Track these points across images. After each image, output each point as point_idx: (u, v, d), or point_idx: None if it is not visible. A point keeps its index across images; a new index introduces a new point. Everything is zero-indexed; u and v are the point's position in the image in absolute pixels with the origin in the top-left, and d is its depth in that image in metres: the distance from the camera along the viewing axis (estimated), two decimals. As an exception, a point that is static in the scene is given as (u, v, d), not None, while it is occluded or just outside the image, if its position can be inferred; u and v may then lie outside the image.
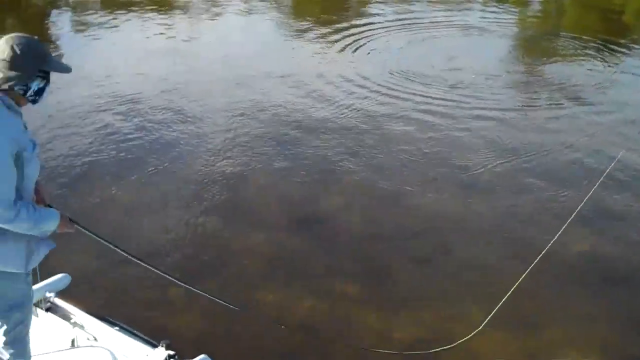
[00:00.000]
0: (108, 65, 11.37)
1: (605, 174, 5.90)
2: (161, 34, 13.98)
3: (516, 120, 9.46)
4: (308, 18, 15.81)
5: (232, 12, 16.34)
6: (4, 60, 2.86)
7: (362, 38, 13.64)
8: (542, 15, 18.55)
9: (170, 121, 9.02)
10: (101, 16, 15.50)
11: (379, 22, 15.16)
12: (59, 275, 4.30)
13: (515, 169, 7.84)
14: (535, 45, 14.27)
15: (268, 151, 8.18)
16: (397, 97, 10.17)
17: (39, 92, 3.02)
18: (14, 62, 2.87)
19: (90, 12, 15.95)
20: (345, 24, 14.95)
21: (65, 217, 3.19)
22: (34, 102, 3.02)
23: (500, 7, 17.65)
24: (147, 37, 13.68)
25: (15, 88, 2.91)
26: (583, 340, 5.05)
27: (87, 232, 3.36)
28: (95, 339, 3.90)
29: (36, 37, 3.02)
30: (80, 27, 14.70)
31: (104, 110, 9.34)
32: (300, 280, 5.68)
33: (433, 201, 7.07)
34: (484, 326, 4.18)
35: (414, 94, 10.31)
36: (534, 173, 7.72)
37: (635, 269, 5.99)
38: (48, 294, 4.12)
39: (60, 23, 15.59)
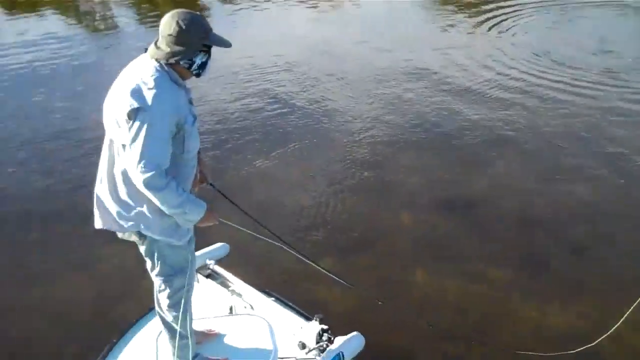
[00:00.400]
0: (255, 41, 11.63)
1: None
2: (308, 18, 14.08)
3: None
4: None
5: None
6: (170, 35, 2.96)
7: (509, 18, 13.15)
8: None
9: (315, 100, 9.10)
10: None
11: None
12: (219, 244, 4.49)
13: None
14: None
15: (416, 132, 8.07)
16: (545, 80, 9.75)
17: (202, 66, 3.10)
18: (180, 37, 2.96)
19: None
20: (491, 5, 14.48)
21: (211, 211, 3.22)
22: (197, 75, 3.12)
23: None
24: (292, 21, 13.82)
25: (181, 62, 3.02)
26: None
27: (231, 224, 3.53)
28: (252, 308, 4.00)
29: (198, 12, 3.08)
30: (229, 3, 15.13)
31: (251, 85, 9.62)
32: (449, 264, 5.54)
33: (591, 189, 6.70)
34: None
35: (561, 79, 9.83)
36: None
37: None
38: (208, 261, 4.30)
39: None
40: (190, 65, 3.06)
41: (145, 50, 3.09)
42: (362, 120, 8.36)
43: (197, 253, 3.83)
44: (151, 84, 2.92)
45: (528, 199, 6.54)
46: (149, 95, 2.89)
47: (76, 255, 5.71)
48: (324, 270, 4.05)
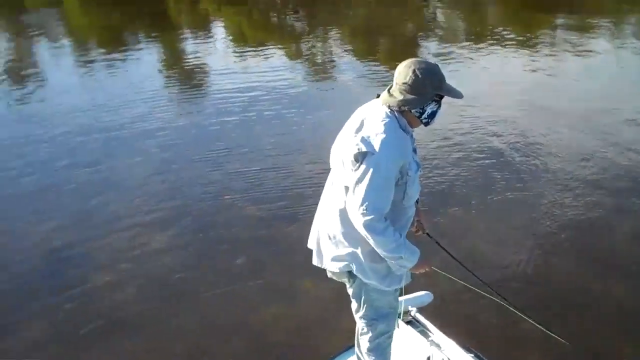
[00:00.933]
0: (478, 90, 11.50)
1: None
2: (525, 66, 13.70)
3: None
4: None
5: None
6: (405, 83, 3.01)
7: None
8: None
9: (528, 151, 8.73)
10: (466, 47, 15.81)
11: None
12: (422, 292, 4.41)
13: None
14: None
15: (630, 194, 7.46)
16: None
17: (432, 115, 3.11)
18: (414, 85, 3.00)
19: (455, 42, 16.41)
20: None
21: (425, 258, 3.23)
22: (426, 124, 3.14)
23: None
24: (509, 70, 13.53)
25: (412, 110, 3.06)
26: None
27: (443, 273, 3.57)
28: None
29: (434, 62, 3.15)
30: (445, 54, 15.18)
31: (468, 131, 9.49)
32: None
33: None
34: None
35: None
36: None
37: None
38: (410, 308, 4.26)
39: (426, 48, 16.22)
40: (421, 114, 3.09)
41: (377, 96, 3.17)
42: (566, 181, 7.85)
43: (400, 298, 3.79)
44: (380, 129, 2.98)
45: None
46: (377, 140, 2.95)
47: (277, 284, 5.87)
48: (534, 323, 3.86)
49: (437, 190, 7.62)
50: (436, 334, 4.08)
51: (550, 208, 7.15)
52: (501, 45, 15.64)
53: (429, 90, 3.01)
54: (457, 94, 3.10)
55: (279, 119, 10.36)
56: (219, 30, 20.12)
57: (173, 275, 6.07)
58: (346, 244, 3.20)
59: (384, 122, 3.00)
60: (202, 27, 20.37)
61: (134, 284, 5.93)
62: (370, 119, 3.05)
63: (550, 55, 14.61)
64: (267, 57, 15.19)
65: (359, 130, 3.04)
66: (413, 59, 3.06)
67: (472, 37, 17.31)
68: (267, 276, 5.96)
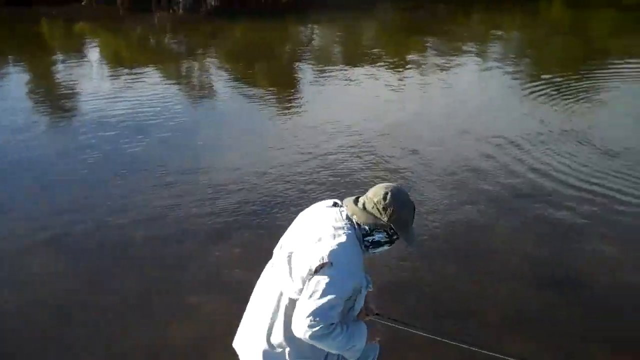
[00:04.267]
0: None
1: None
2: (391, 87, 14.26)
3: None
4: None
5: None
6: (374, 203, 2.99)
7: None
8: None
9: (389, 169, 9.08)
10: (341, 69, 16.26)
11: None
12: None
13: None
14: None
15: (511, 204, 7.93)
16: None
17: (376, 245, 3.08)
18: (382, 209, 2.97)
19: (331, 64, 16.85)
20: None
21: (370, 329, 3.17)
22: (367, 248, 3.08)
23: None
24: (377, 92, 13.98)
25: (375, 233, 3.03)
26: None
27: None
28: None
29: (412, 201, 3.13)
30: (320, 76, 15.54)
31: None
32: (546, 338, 5.32)
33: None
34: None
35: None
36: None
37: None
38: None
39: (302, 73, 16.52)
40: (365, 236, 3.04)
41: (334, 204, 3.14)
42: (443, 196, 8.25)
43: None
44: (342, 242, 2.91)
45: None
46: (339, 253, 2.88)
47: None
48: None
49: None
50: None
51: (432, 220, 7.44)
52: (375, 67, 16.23)
53: (389, 219, 2.99)
54: (410, 241, 3.08)
55: (152, 142, 10.30)
56: (94, 52, 19.61)
57: (61, 299, 5.89)
58: (279, 344, 3.10)
59: (347, 234, 2.94)
60: (76, 49, 19.76)
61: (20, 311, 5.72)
62: (334, 229, 2.97)
63: (418, 75, 15.39)
64: (142, 80, 15.00)
65: (319, 239, 2.93)
66: (395, 185, 3.10)
67: (348, 59, 17.81)
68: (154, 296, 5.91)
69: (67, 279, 6.28)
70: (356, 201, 3.07)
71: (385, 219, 2.98)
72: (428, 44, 19.50)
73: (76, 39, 21.97)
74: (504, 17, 25.30)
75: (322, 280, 2.83)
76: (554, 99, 12.70)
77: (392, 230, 3.02)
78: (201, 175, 8.76)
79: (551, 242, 6.96)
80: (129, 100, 12.87)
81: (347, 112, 11.83)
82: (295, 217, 3.31)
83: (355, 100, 12.99)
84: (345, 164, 9.19)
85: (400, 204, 2.99)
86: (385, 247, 3.10)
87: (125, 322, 5.55)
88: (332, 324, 2.88)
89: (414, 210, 3.10)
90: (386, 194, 2.97)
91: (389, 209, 2.96)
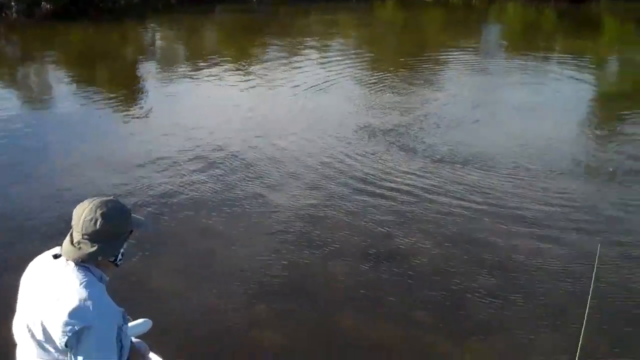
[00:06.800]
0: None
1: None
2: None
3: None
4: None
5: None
6: (96, 231, 2.64)
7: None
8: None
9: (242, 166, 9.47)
10: (183, 69, 16.47)
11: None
12: (140, 320, 4.04)
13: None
14: None
15: (342, 191, 8.47)
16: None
17: (123, 255, 2.84)
18: (108, 231, 2.66)
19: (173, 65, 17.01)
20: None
21: None
22: (118, 265, 2.84)
23: None
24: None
25: (111, 259, 2.77)
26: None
27: None
28: None
29: (112, 196, 2.82)
30: (164, 79, 15.68)
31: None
32: (377, 307, 5.92)
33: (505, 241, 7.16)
34: None
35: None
36: None
37: None
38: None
39: (146, 74, 16.54)
40: (117, 258, 2.79)
41: (55, 256, 2.74)
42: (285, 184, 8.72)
43: None
44: (85, 294, 2.58)
45: (447, 253, 6.99)
46: (89, 309, 2.56)
47: None
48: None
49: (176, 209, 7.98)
50: None
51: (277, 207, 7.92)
52: (217, 66, 16.58)
53: (123, 231, 2.74)
54: (147, 226, 2.95)
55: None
56: None
57: None
58: None
59: (83, 284, 2.60)
60: None
61: None
62: (66, 287, 2.60)
63: (263, 75, 15.89)
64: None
65: (59, 306, 2.56)
66: (93, 202, 2.68)
67: (190, 59, 18.06)
68: None
69: None
70: (72, 241, 2.67)
71: (125, 230, 2.76)
72: (270, 44, 20.14)
73: None
74: (339, 16, 26.55)
75: (84, 346, 2.54)
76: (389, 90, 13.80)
77: (129, 234, 2.81)
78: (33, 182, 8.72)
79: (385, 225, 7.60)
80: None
81: (194, 113, 12.12)
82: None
83: (201, 102, 13.28)
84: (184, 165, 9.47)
85: (120, 212, 2.72)
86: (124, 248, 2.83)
87: None
88: None
89: (126, 211, 2.77)
90: (104, 215, 2.62)
91: (121, 223, 2.71)
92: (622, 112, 12.64)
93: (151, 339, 3.59)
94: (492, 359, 5.26)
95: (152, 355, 3.51)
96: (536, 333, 5.50)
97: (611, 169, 9.40)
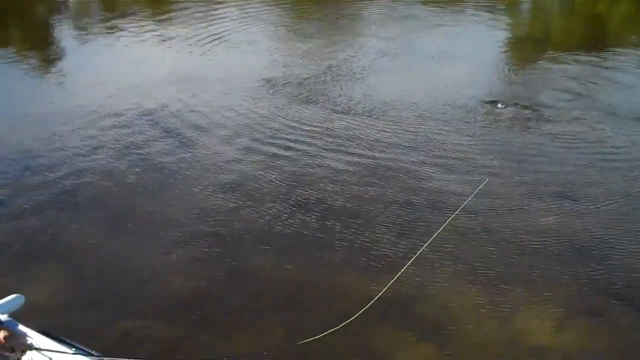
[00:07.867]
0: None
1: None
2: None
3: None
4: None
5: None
6: None
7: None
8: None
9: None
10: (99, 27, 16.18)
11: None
12: (12, 296, 4.01)
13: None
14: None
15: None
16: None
17: None
18: None
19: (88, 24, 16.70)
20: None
21: None
22: None
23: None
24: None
25: None
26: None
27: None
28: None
29: None
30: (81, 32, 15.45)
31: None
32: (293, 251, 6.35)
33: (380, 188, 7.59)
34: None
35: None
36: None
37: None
38: (2, 316, 3.81)
39: (60, 29, 16.21)
40: None
41: None
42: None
43: None
44: None
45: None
46: None
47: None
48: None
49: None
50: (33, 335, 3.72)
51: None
52: (134, 23, 16.24)
53: None
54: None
55: None
56: None
57: None
58: None
59: None
60: None
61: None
62: None
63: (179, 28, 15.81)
64: None
65: None
66: None
67: (105, 17, 17.65)
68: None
69: None
70: None
71: None
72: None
73: None
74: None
75: None
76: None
77: None
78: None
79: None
80: None
81: (114, 68, 12.09)
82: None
83: (116, 60, 13.12)
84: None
85: None
86: None
87: None
88: None
89: None
90: None
91: None
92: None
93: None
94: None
95: (22, 328, 3.63)
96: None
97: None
